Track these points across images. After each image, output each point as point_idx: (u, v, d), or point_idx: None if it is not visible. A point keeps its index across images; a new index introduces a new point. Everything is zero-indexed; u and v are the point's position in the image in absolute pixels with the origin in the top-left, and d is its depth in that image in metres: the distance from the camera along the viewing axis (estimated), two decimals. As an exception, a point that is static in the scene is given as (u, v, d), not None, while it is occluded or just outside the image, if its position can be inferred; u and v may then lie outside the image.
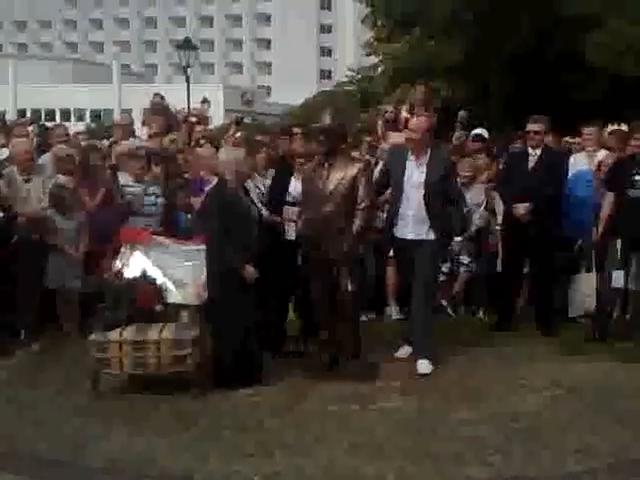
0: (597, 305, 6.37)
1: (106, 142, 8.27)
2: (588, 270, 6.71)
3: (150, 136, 8.24)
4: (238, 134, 7.93)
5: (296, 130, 8.00)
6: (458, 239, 5.51)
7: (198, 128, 8.41)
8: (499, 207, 7.00)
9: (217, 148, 6.95)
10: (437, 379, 5.32)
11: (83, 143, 7.99)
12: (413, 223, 5.58)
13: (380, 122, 8.13)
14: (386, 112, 8.33)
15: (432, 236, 5.55)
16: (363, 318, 6.43)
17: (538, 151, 6.54)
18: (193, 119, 9.51)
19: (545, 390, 5.06)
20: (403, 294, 6.08)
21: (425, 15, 15.03)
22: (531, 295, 6.90)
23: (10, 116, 22.84)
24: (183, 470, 3.96)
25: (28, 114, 37.24)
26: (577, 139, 7.60)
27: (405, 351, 5.75)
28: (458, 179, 6.48)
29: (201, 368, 5.04)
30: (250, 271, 5.10)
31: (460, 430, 4.40)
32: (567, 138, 7.98)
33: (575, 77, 13.57)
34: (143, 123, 9.13)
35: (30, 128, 9.25)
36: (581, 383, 5.20)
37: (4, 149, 7.46)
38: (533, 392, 5.03)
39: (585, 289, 6.67)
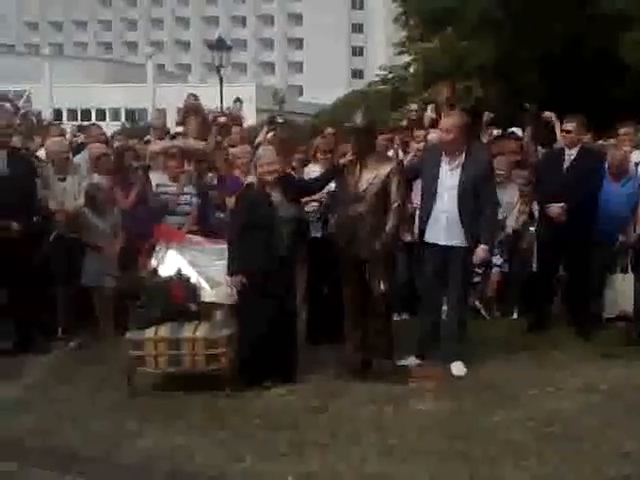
0: (635, 306, 6.27)
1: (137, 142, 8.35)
2: (625, 270, 6.61)
3: (181, 135, 8.32)
4: (271, 133, 7.97)
5: (328, 130, 8.03)
6: (483, 247, 5.38)
7: (235, 129, 8.43)
8: (534, 207, 6.93)
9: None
10: (471, 381, 5.28)
11: (117, 143, 8.08)
12: (446, 228, 5.47)
13: (404, 122, 8.10)
14: (410, 111, 8.30)
15: (465, 243, 5.44)
16: (395, 318, 6.40)
17: (574, 150, 6.45)
18: (222, 119, 9.57)
19: (581, 394, 5.00)
20: (418, 297, 5.98)
21: (458, 14, 14.93)
22: (566, 296, 6.82)
23: (46, 116, 23.15)
24: (217, 468, 3.99)
25: (64, 114, 37.84)
26: (611, 140, 7.49)
27: (410, 361, 5.62)
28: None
29: (235, 367, 5.07)
30: (235, 281, 5.14)
31: (494, 433, 4.36)
32: (601, 141, 7.88)
33: (610, 76, 13.38)
34: (178, 123, 9.21)
35: (68, 128, 9.38)
36: (618, 387, 5.12)
37: (42, 149, 7.56)
38: (569, 396, 4.98)
39: (622, 290, 6.57)
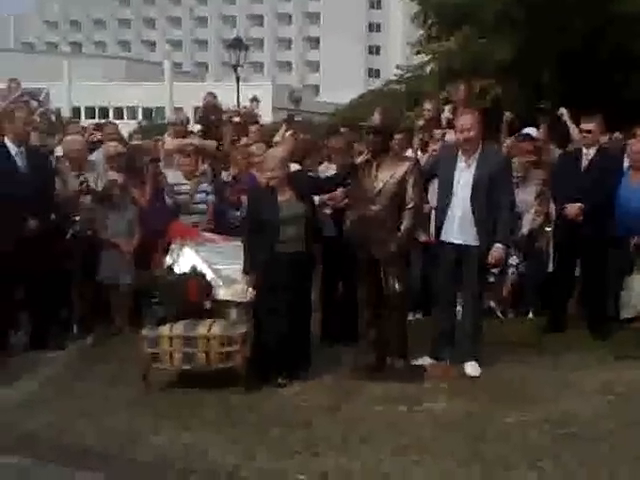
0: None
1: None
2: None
3: (194, 133, 8.38)
4: (289, 132, 7.98)
5: (343, 129, 8.02)
6: (499, 246, 5.34)
7: (252, 128, 8.46)
8: (552, 207, 6.88)
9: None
10: (485, 382, 5.26)
11: (132, 142, 8.14)
12: (460, 227, 5.45)
13: (421, 122, 8.06)
14: (424, 110, 8.27)
15: (479, 242, 5.41)
16: (410, 318, 6.37)
17: (592, 150, 6.40)
18: (237, 119, 9.61)
19: (597, 395, 4.96)
20: (433, 297, 5.95)
21: (476, 13, 14.84)
22: (583, 297, 6.77)
23: (64, 114, 23.31)
24: (230, 466, 3.99)
25: (82, 111, 38.07)
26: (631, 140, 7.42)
27: (424, 360, 5.60)
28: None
29: (249, 365, 5.07)
30: (248, 279, 5.19)
31: (509, 434, 4.34)
32: (617, 134, 7.80)
33: (629, 76, 13.26)
34: (197, 121, 9.27)
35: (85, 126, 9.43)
36: (634, 388, 5.08)
37: (59, 147, 7.61)
38: (584, 397, 4.94)
39: (638, 290, 6.51)
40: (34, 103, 9.30)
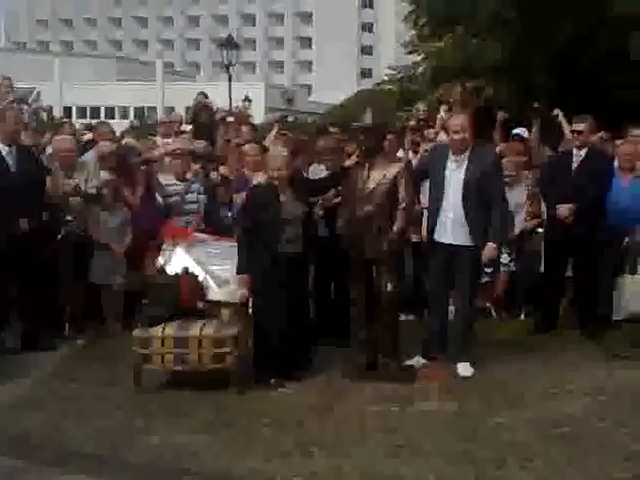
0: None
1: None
2: (633, 271, 6.57)
3: (185, 133, 8.37)
4: (281, 132, 7.98)
5: (332, 130, 8.03)
6: (492, 245, 5.34)
7: (244, 128, 8.46)
8: (543, 208, 6.90)
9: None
10: (477, 382, 5.27)
11: (123, 142, 8.11)
12: (452, 227, 5.46)
13: (413, 122, 8.07)
14: (418, 111, 8.27)
15: (471, 242, 5.42)
16: (401, 318, 6.37)
17: (583, 152, 6.43)
18: (230, 119, 9.61)
19: (588, 395, 4.98)
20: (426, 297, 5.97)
21: (469, 13, 14.87)
22: (574, 297, 6.79)
23: (56, 113, 23.22)
24: (222, 467, 3.99)
25: (73, 111, 37.95)
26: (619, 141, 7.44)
27: (416, 361, 5.61)
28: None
29: (242, 366, 5.07)
30: (242, 281, 5.20)
31: (500, 434, 4.35)
32: (602, 133, 7.81)
33: (621, 77, 13.31)
34: (187, 122, 9.26)
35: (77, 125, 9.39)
36: (625, 388, 5.10)
37: (50, 146, 7.58)
38: (576, 397, 4.96)
39: (629, 291, 6.53)
40: (24, 106, 9.25)
